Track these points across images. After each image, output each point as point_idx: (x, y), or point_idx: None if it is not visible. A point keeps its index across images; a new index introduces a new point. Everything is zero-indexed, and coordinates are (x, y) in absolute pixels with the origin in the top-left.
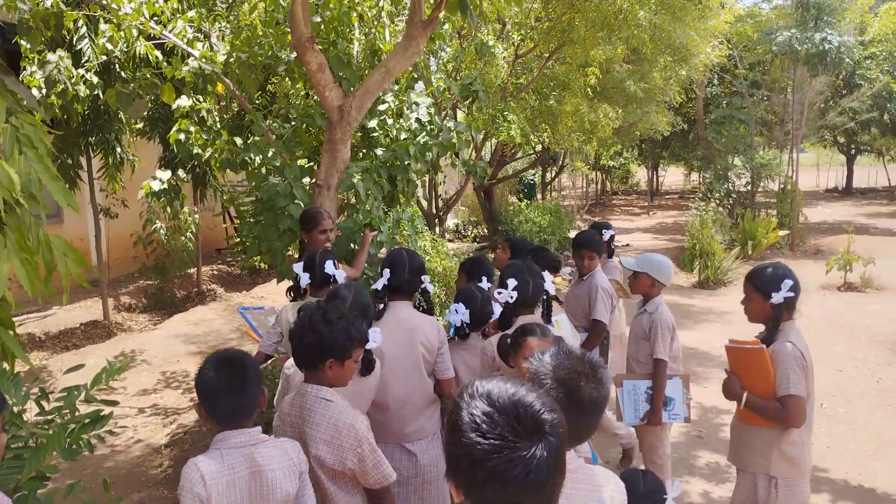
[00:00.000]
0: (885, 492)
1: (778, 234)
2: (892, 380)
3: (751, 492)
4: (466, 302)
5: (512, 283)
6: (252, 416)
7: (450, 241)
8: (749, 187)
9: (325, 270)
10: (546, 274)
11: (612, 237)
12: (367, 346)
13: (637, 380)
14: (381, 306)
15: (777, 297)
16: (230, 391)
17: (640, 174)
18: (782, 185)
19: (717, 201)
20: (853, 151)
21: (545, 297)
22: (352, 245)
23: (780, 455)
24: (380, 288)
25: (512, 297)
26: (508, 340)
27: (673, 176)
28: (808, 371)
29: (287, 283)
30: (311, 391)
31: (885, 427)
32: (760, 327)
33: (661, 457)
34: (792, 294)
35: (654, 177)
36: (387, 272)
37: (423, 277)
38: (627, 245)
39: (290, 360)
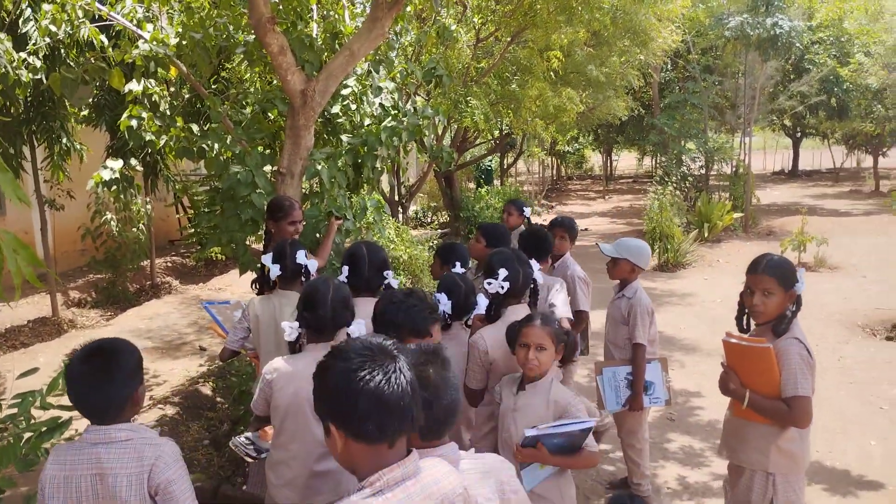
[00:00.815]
0: (859, 473)
1: (732, 217)
2: (851, 357)
3: (747, 488)
4: (449, 291)
5: (503, 273)
6: (120, 412)
7: (412, 228)
8: (703, 171)
9: (297, 261)
10: (532, 261)
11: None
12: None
13: (616, 366)
14: None
15: (799, 287)
16: (93, 384)
17: (594, 159)
18: (734, 169)
19: (674, 185)
20: (799, 135)
21: (533, 285)
22: (317, 234)
23: (779, 452)
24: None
25: (503, 288)
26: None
27: (626, 161)
28: (813, 368)
29: (250, 276)
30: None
31: (848, 405)
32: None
33: (641, 441)
34: (804, 285)
35: (609, 162)
36: (346, 269)
37: (385, 273)
38: (586, 229)
39: (273, 364)
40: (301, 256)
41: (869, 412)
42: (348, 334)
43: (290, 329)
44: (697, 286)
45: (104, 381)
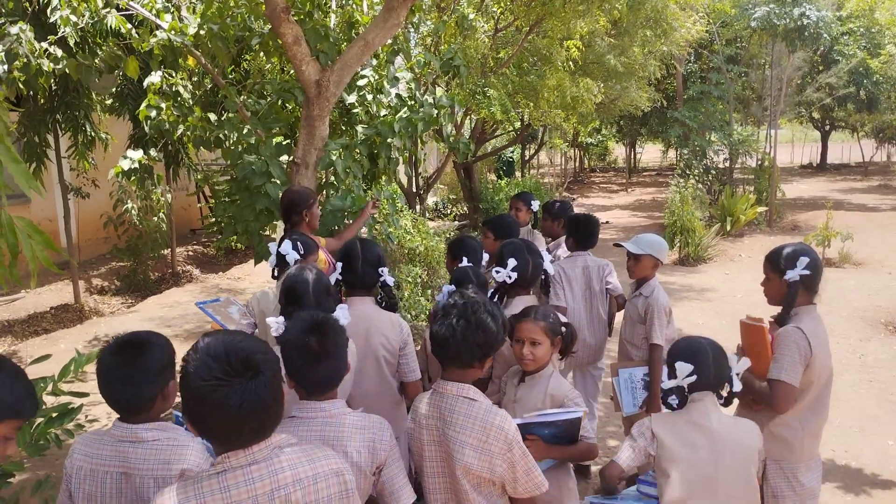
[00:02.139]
0: (873, 472)
1: (756, 211)
2: (872, 355)
3: None
4: (459, 284)
5: (511, 262)
6: (148, 408)
7: (430, 219)
8: (727, 164)
9: (281, 251)
10: (545, 253)
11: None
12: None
13: (633, 367)
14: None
15: (792, 275)
16: (121, 378)
17: (618, 151)
18: (760, 162)
19: (696, 178)
20: (827, 127)
21: (544, 276)
22: (335, 227)
23: (771, 437)
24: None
25: (510, 277)
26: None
27: (650, 153)
28: (815, 360)
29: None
30: (451, 390)
31: (867, 403)
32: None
33: None
34: (808, 272)
35: (632, 154)
36: (339, 266)
37: (380, 270)
38: (607, 222)
39: None
40: (287, 247)
41: (888, 411)
42: None
43: (276, 324)
44: (718, 281)
45: (133, 375)
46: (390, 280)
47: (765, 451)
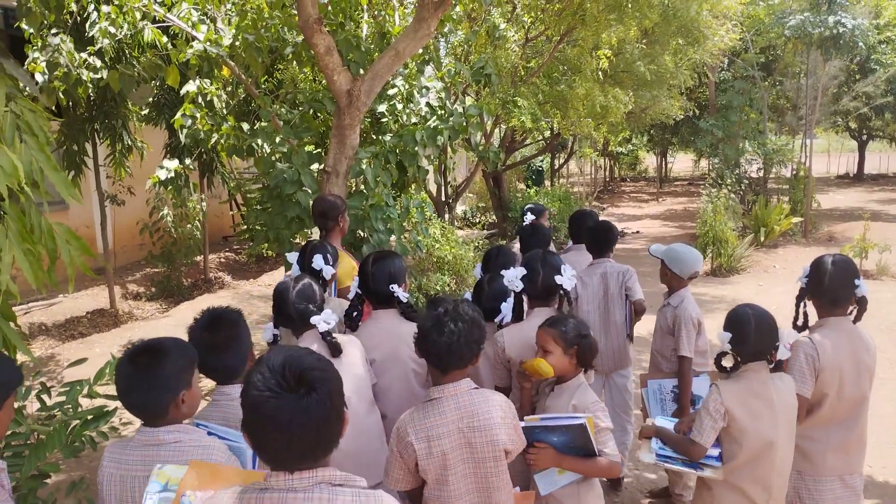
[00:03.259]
0: None
1: (791, 221)
2: None
3: None
4: (500, 297)
5: (520, 271)
6: (162, 414)
7: (459, 228)
8: (761, 173)
9: (313, 265)
10: (567, 268)
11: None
12: (321, 329)
13: (662, 379)
14: (354, 314)
15: (801, 282)
16: (134, 384)
17: (649, 161)
18: (794, 172)
19: (728, 188)
20: (865, 137)
21: (562, 291)
22: (359, 232)
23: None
24: (352, 297)
25: (517, 288)
26: None
27: (682, 162)
28: (824, 371)
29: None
30: (463, 387)
31: None
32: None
33: None
34: (807, 279)
35: (663, 163)
36: (356, 280)
37: (391, 287)
38: (637, 232)
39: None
40: (318, 261)
41: None
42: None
43: (267, 330)
44: (751, 293)
45: (144, 382)
46: (403, 297)
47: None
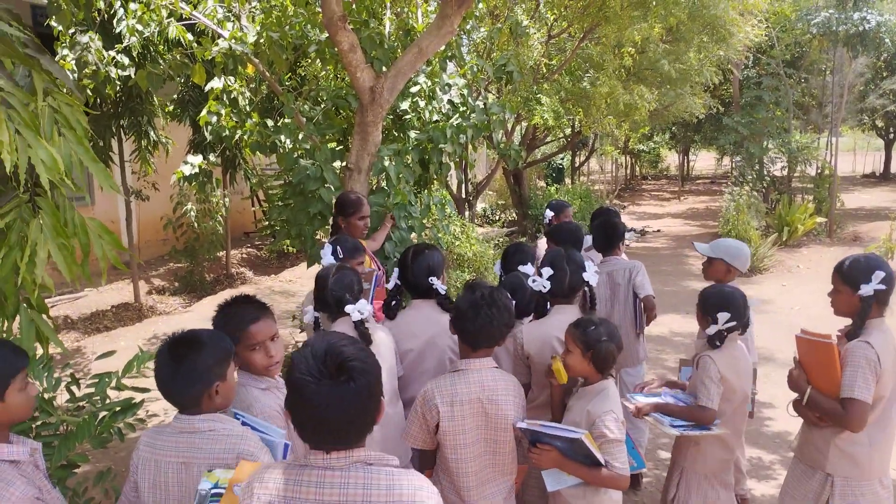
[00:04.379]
0: None
1: (815, 221)
2: None
3: (803, 485)
4: (513, 292)
5: (547, 272)
6: (196, 404)
7: (479, 225)
8: (785, 172)
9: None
10: (589, 264)
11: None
12: (354, 318)
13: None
14: (393, 303)
15: (866, 290)
16: (170, 373)
17: (671, 159)
18: (819, 170)
19: (750, 185)
20: (892, 135)
21: (587, 287)
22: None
23: (839, 452)
24: (391, 287)
25: (545, 287)
26: None
27: (704, 160)
28: (884, 374)
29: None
30: (487, 364)
31: None
32: (845, 321)
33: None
34: (883, 287)
35: (685, 161)
36: (396, 271)
37: (430, 279)
38: (658, 230)
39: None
40: (327, 252)
41: None
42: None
43: (308, 313)
44: (774, 293)
45: (178, 372)
46: (442, 289)
47: (832, 468)
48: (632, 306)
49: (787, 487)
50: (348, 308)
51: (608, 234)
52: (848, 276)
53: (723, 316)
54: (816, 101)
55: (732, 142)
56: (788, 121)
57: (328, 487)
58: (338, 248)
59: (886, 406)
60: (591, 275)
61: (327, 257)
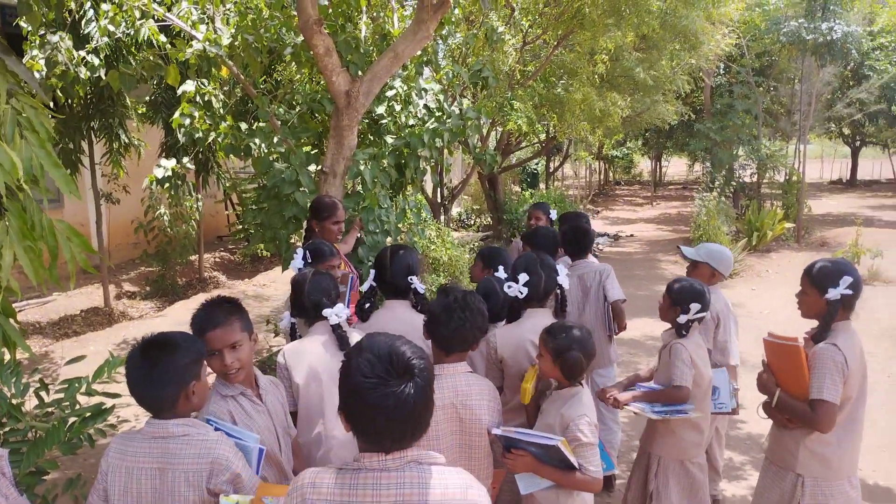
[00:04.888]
0: None
1: (784, 226)
2: None
3: (776, 486)
4: (486, 297)
5: (523, 277)
6: (171, 407)
7: (454, 230)
8: (755, 178)
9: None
10: (561, 268)
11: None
12: (331, 322)
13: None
14: (367, 306)
15: (833, 294)
16: (143, 377)
17: (643, 164)
18: (788, 177)
19: (719, 191)
20: (858, 143)
21: (559, 290)
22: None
23: (808, 453)
24: (365, 289)
25: (521, 293)
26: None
27: (676, 166)
28: (851, 376)
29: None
30: (460, 369)
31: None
32: (813, 322)
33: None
34: (850, 292)
35: (658, 167)
36: (373, 273)
37: (410, 278)
38: (631, 235)
39: (285, 351)
40: (297, 258)
41: None
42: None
43: (285, 318)
44: (744, 297)
45: (153, 374)
46: (421, 288)
47: (802, 468)
48: (602, 309)
49: (761, 489)
50: (326, 312)
51: (579, 239)
52: (816, 280)
53: (695, 306)
54: (785, 109)
55: (703, 148)
56: (758, 128)
57: (384, 489)
58: (308, 252)
59: (853, 407)
60: (564, 279)
61: (298, 262)
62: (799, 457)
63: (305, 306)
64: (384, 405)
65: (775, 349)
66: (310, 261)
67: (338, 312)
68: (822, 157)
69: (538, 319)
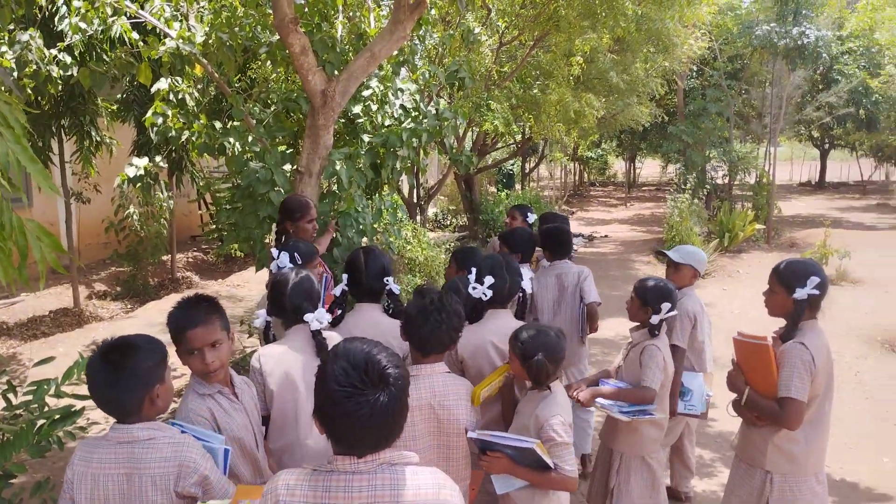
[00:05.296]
0: (868, 486)
1: (755, 227)
2: (868, 373)
3: (746, 483)
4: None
5: (488, 280)
6: (136, 411)
7: (430, 230)
8: (726, 180)
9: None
10: (525, 269)
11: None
12: (312, 328)
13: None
14: (339, 311)
15: (801, 294)
16: (107, 381)
17: (618, 166)
18: (758, 179)
19: (691, 192)
20: (827, 146)
21: (521, 293)
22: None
23: (777, 450)
24: (338, 294)
25: (486, 295)
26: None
27: (649, 168)
28: (818, 374)
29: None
30: (438, 369)
31: (863, 420)
32: (780, 321)
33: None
34: (817, 292)
35: (632, 168)
36: (345, 277)
37: (385, 279)
38: (606, 236)
39: (261, 354)
40: (284, 260)
41: (883, 429)
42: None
43: (260, 317)
44: (715, 297)
45: (117, 379)
46: (396, 289)
47: (771, 465)
48: (577, 310)
49: (731, 487)
50: (307, 317)
51: (562, 241)
52: (784, 279)
53: (665, 306)
54: (756, 112)
55: (677, 150)
56: (730, 130)
57: (356, 491)
58: (295, 253)
59: (820, 405)
60: (527, 283)
61: (285, 261)
62: (767, 454)
63: (285, 308)
64: (358, 413)
65: (745, 348)
66: (300, 262)
67: (319, 318)
68: (791, 160)
69: (500, 321)
